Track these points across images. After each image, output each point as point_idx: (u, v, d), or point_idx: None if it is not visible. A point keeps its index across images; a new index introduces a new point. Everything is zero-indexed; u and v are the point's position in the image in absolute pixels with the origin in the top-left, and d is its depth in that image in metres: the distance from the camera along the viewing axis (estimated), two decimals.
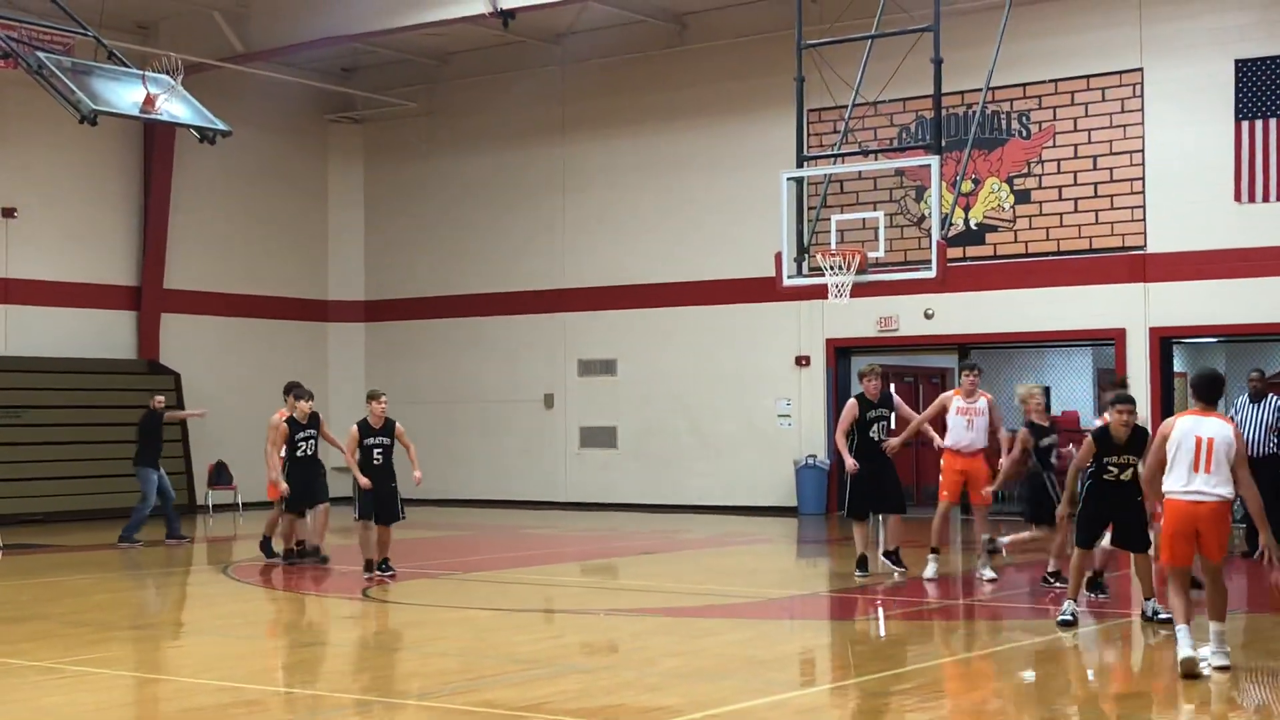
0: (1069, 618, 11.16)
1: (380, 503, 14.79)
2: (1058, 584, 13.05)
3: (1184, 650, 9.29)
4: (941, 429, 14.64)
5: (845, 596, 13.93)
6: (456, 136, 27.28)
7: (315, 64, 26.46)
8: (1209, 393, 9.63)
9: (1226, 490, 9.40)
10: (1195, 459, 9.33)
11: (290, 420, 15.94)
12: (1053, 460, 13.82)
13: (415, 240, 27.76)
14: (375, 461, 14.82)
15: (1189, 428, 9.43)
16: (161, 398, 19.40)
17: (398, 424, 15.15)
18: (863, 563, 14.54)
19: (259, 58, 24.58)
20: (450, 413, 26.84)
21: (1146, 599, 11.50)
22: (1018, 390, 14.58)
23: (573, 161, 26.03)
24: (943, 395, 14.68)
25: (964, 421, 14.23)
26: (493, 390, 26.59)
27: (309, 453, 15.98)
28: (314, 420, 15.99)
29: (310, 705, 8.87)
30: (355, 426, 14.90)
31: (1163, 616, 11.00)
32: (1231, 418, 11.77)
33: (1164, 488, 9.51)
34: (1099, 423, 11.81)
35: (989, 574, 14.02)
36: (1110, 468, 11.13)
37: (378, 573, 14.69)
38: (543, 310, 26.19)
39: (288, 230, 27.64)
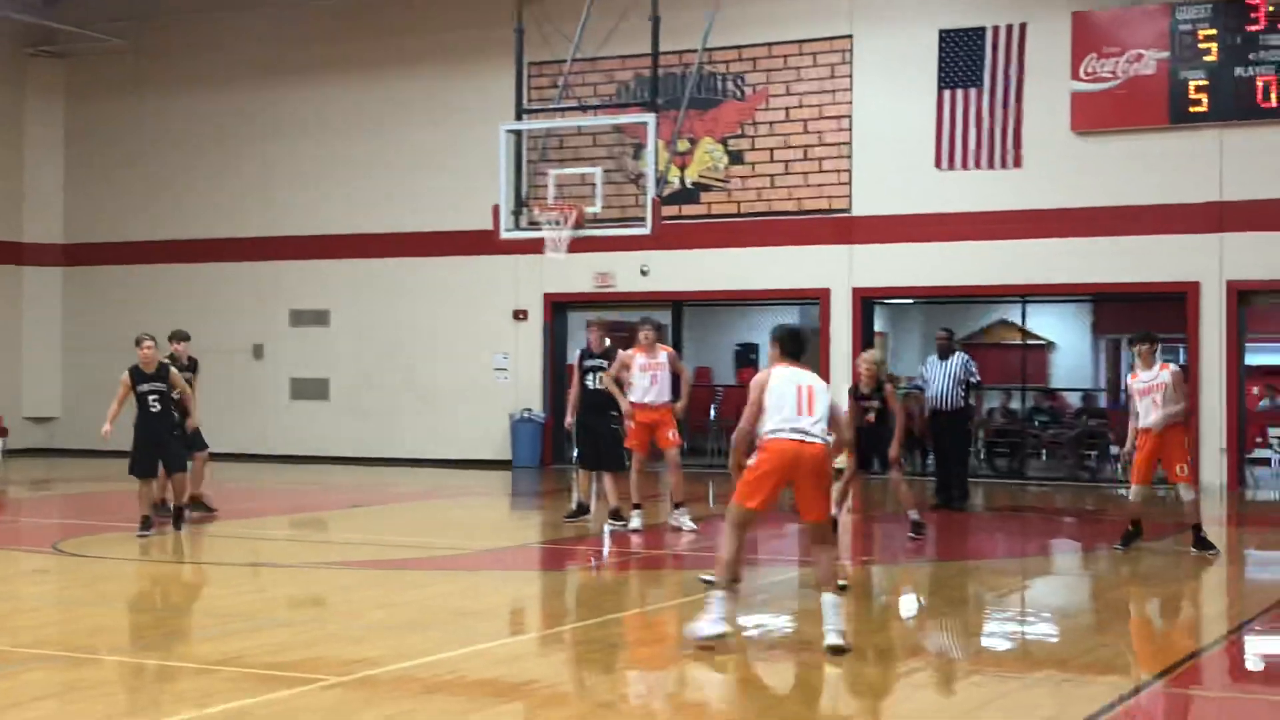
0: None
1: (168, 452, 14.09)
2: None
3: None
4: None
5: (554, 548, 14.03)
6: (166, 76, 26.25)
7: None
8: (796, 348, 9.29)
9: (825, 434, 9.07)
10: (798, 404, 8.91)
11: (134, 370, 14.24)
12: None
13: (121, 182, 26.63)
14: (152, 409, 14.09)
15: (788, 377, 9.06)
16: None
17: (172, 369, 14.41)
18: (579, 510, 14.91)
19: None
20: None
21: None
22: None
23: (288, 106, 25.36)
24: (623, 353, 14.82)
25: (647, 377, 14.52)
26: (200, 340, 25.55)
27: (158, 407, 14.30)
28: (162, 370, 14.37)
29: None
30: (126, 373, 14.10)
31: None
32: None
33: (766, 429, 8.96)
34: None
35: (689, 524, 14.35)
36: None
37: (198, 512, 14.40)
38: (254, 258, 25.48)
39: None
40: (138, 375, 14.17)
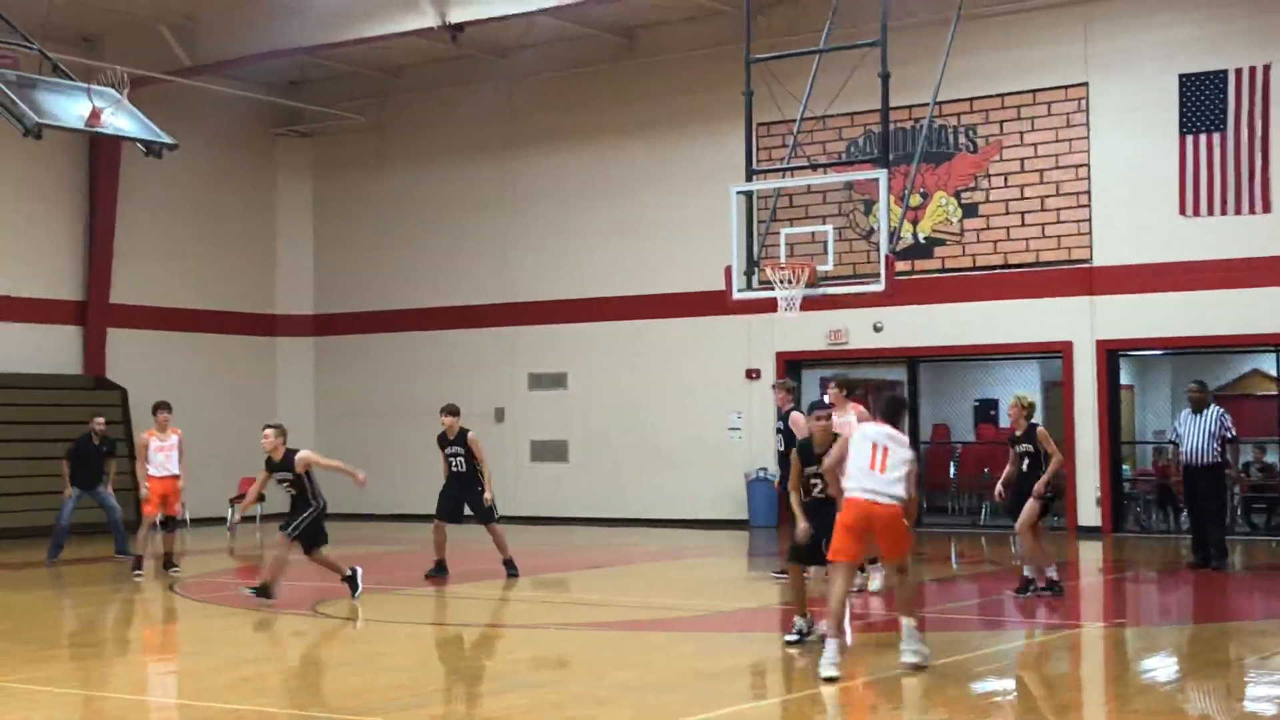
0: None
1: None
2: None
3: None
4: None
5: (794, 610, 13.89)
6: (406, 150, 27.20)
7: (263, 77, 26.32)
8: (890, 413, 10.29)
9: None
10: (871, 462, 9.89)
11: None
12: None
13: (365, 254, 27.65)
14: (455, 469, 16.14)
15: (869, 435, 10.08)
16: (102, 420, 19.10)
17: (470, 434, 16.15)
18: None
19: (206, 71, 24.43)
20: (400, 427, 26.69)
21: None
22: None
23: (523, 175, 26.00)
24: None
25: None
26: (443, 404, 26.42)
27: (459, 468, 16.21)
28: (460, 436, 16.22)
29: None
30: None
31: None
32: None
33: (846, 486, 10.07)
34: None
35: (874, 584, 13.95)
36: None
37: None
38: (493, 324, 26.13)
39: (236, 244, 27.47)
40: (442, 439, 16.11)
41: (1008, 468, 14.22)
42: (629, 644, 11.72)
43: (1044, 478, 13.70)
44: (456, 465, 16.18)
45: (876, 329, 22.75)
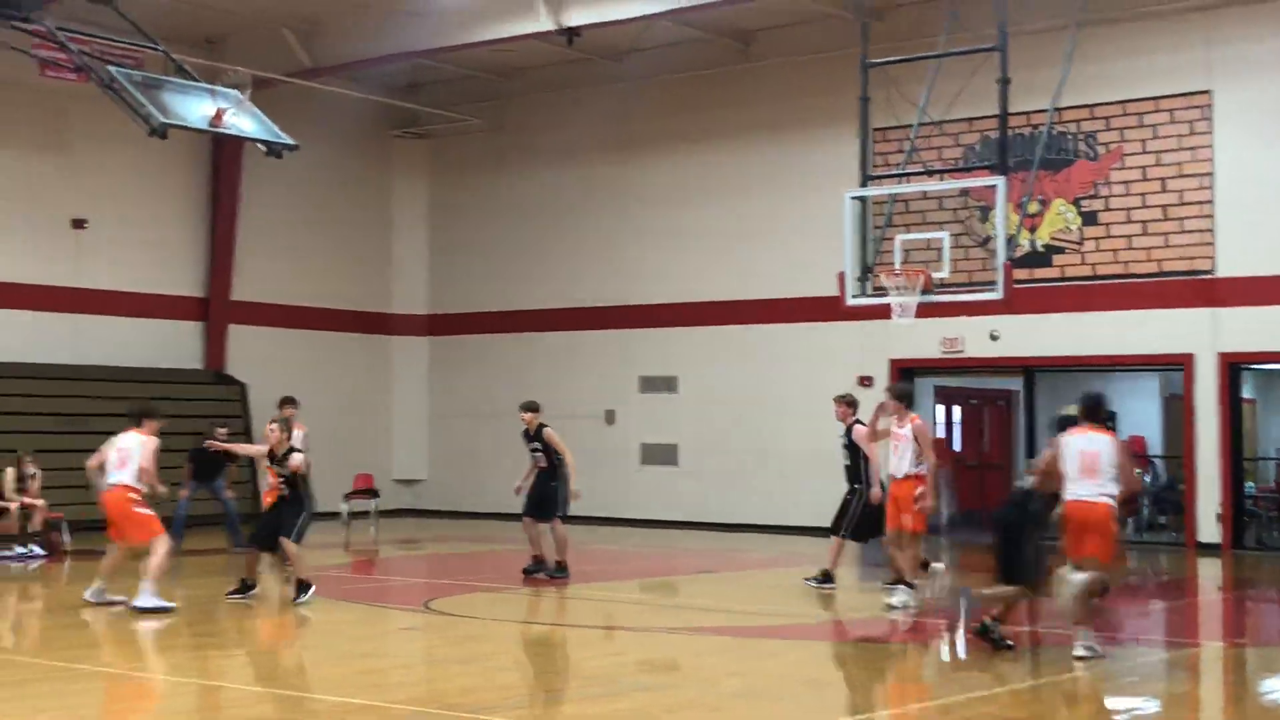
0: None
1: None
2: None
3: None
4: None
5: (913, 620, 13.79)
6: (521, 153, 27.39)
7: (382, 79, 26.66)
8: (1088, 413, 11.09)
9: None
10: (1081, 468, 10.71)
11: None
12: None
13: (479, 255, 27.88)
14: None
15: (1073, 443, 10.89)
16: (224, 429, 19.47)
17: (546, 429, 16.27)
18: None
19: (326, 73, 24.78)
20: (511, 428, 26.80)
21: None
22: None
23: (637, 178, 26.06)
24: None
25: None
26: (554, 405, 26.35)
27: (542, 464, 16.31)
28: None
29: (369, 716, 8.88)
30: None
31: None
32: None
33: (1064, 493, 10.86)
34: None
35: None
36: None
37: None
38: (605, 326, 26.22)
39: (353, 244, 27.86)
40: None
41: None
42: (739, 650, 11.69)
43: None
44: (539, 461, 16.31)
45: (993, 338, 22.48)
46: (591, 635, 12.75)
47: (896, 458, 14.18)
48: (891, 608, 13.51)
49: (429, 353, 28.44)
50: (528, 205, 27.26)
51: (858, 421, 15.04)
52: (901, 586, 13.81)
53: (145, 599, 12.91)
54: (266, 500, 16.26)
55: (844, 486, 23.58)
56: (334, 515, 24.89)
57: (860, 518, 14.85)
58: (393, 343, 28.32)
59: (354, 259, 27.84)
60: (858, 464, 14.97)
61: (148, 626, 12.54)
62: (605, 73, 25.92)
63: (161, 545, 13.25)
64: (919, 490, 13.84)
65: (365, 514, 23.55)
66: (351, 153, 27.70)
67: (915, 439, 13.98)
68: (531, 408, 16.39)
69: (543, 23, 22.42)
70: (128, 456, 13.51)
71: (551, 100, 26.93)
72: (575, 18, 22.29)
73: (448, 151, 28.43)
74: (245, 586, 14.07)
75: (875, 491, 14.70)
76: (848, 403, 15.33)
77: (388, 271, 28.42)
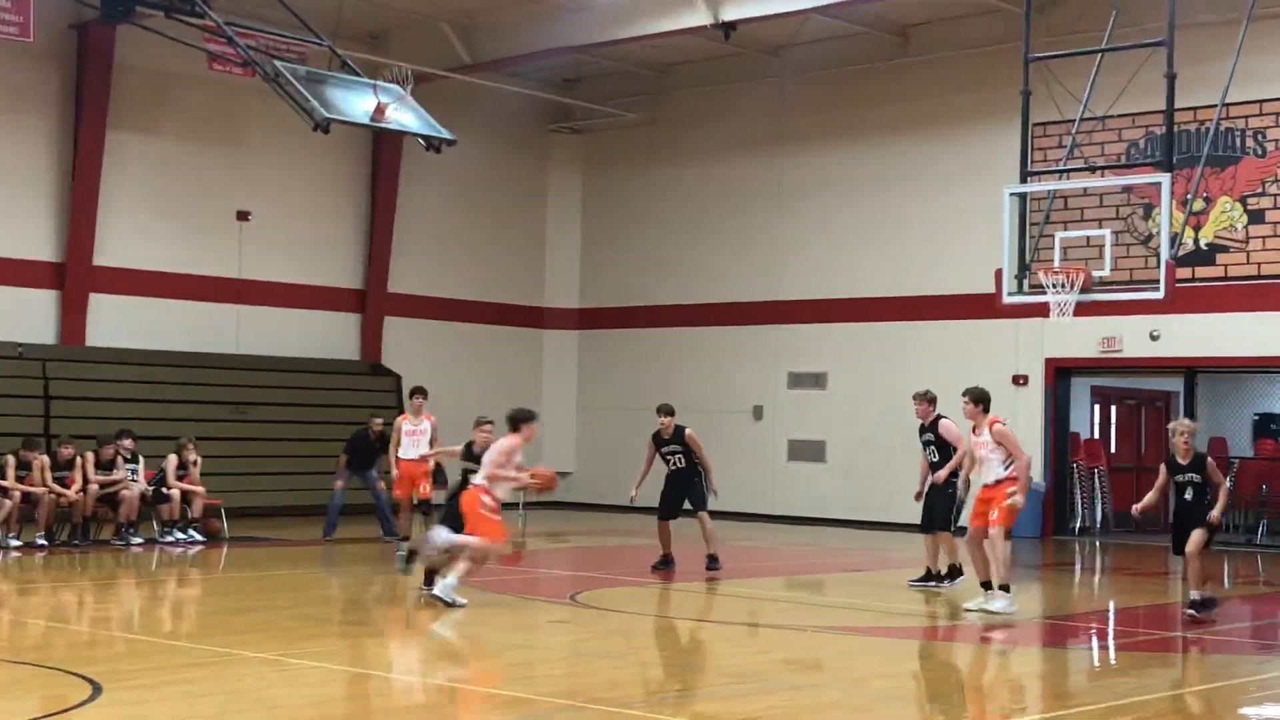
0: None
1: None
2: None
3: None
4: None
5: (1057, 623, 13.56)
6: (675, 148, 27.44)
7: (538, 74, 26.89)
8: None
9: None
10: None
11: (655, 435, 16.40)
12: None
13: (631, 250, 28.00)
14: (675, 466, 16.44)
15: None
16: (380, 420, 19.85)
17: (687, 431, 16.30)
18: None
19: (484, 68, 25.08)
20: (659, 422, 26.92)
21: None
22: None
23: (790, 174, 25.95)
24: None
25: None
26: (703, 400, 26.59)
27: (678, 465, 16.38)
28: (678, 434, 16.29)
29: (518, 708, 8.98)
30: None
31: None
32: None
33: None
34: None
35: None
36: None
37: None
38: (755, 322, 26.15)
39: (507, 238, 28.16)
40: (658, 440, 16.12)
41: (1153, 493, 13.42)
42: (887, 650, 11.59)
43: (1220, 504, 13.08)
44: (675, 463, 16.30)
45: (1153, 337, 21.97)
46: (737, 632, 12.73)
47: (984, 466, 13.64)
48: (988, 613, 13.11)
49: (579, 346, 28.64)
50: (680, 200, 27.30)
51: (941, 417, 14.93)
52: (997, 591, 13.33)
53: (444, 589, 12.78)
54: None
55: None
56: None
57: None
58: (544, 336, 28.58)
59: (508, 252, 28.14)
60: (946, 461, 14.83)
61: (313, 614, 12.81)
62: (760, 68, 25.85)
63: (489, 553, 13.15)
64: (1010, 490, 13.37)
65: (517, 505, 23.77)
66: (507, 147, 27.99)
67: (999, 443, 13.52)
68: (669, 411, 16.37)
69: (700, 17, 22.43)
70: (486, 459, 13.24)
71: (706, 95, 26.93)
72: (732, 11, 22.26)
73: (602, 147, 28.58)
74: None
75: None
76: (929, 400, 15.22)
77: (540, 265, 28.68)
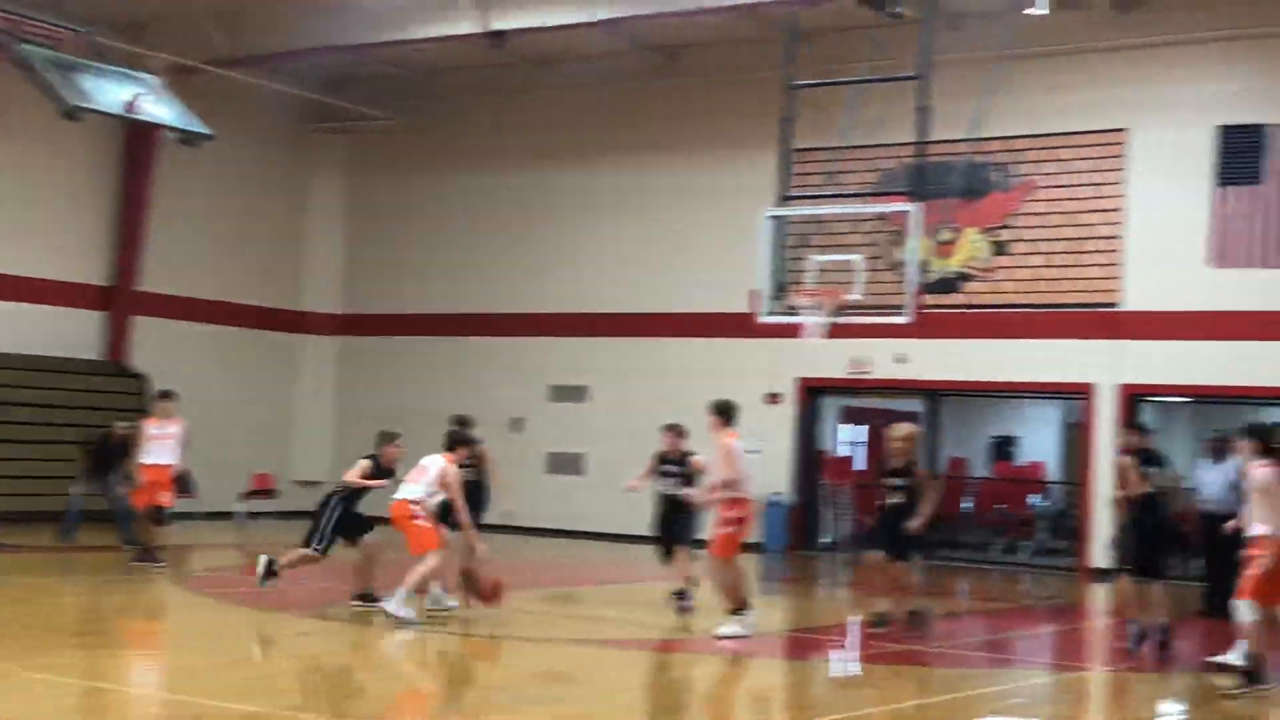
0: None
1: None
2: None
3: None
4: None
5: (800, 637, 13.87)
6: (442, 155, 27.24)
7: (304, 73, 26.35)
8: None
9: None
10: None
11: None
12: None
13: (394, 256, 27.69)
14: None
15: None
16: (124, 424, 18.91)
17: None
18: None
19: (247, 64, 24.48)
20: (418, 431, 26.55)
21: None
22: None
23: (557, 187, 26.03)
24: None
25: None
26: (461, 411, 26.39)
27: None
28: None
29: None
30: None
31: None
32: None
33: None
34: None
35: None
36: None
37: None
38: (517, 333, 26.14)
39: (266, 239, 27.53)
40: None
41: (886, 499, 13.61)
42: (639, 663, 11.68)
43: (925, 515, 13.15)
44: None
45: (900, 360, 22.70)
46: (490, 645, 12.68)
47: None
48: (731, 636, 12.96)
49: (337, 353, 28.17)
50: (446, 208, 27.13)
51: (692, 453, 14.84)
52: (730, 616, 13.02)
53: (393, 604, 12.64)
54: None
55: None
56: (228, 515, 24.62)
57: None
58: (301, 341, 28.00)
59: (267, 254, 27.51)
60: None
61: (47, 624, 12.31)
62: (530, 80, 25.87)
63: (432, 559, 12.93)
64: (728, 516, 13.25)
65: (262, 514, 23.28)
66: (269, 146, 27.41)
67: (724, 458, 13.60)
68: (679, 432, 15.30)
69: (470, 25, 22.34)
70: (422, 474, 13.31)
71: (475, 104, 26.83)
72: (503, 22, 22.23)
73: (367, 150, 28.21)
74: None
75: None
76: (678, 433, 15.18)
77: (300, 269, 28.13)
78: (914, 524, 13.10)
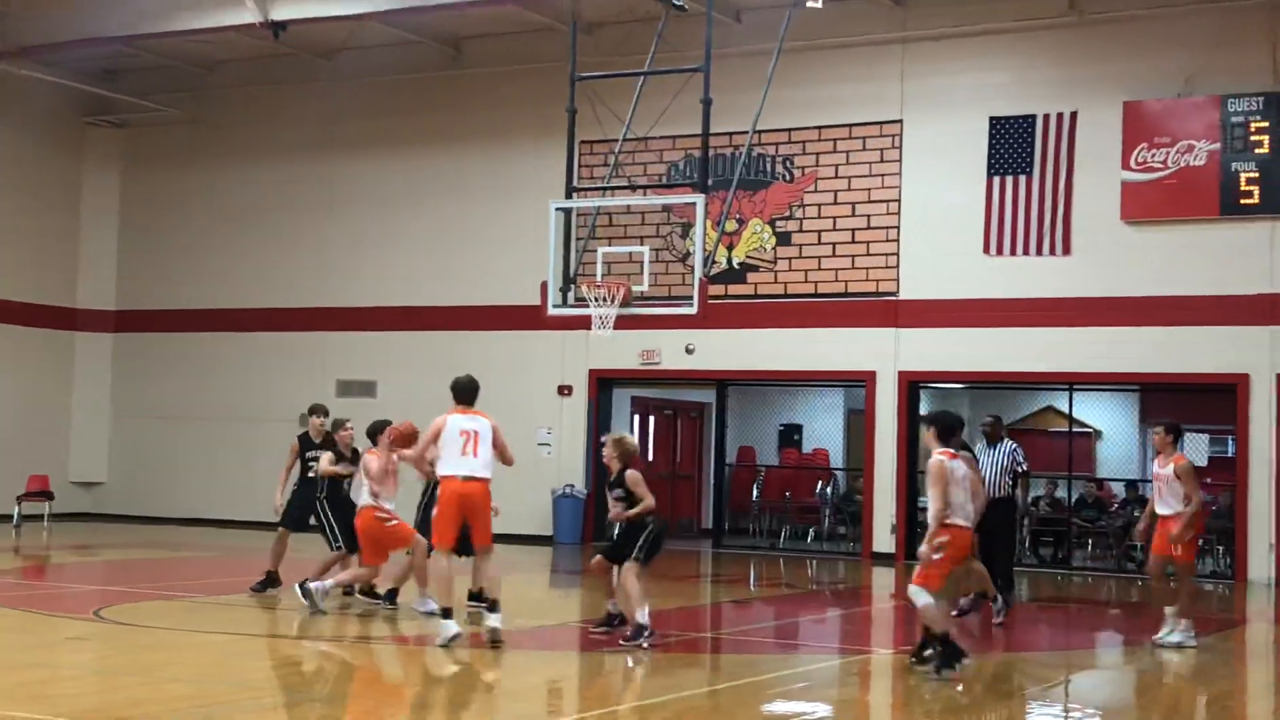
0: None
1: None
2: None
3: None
4: None
5: (590, 629, 13.89)
6: (221, 147, 26.63)
7: (76, 64, 25.52)
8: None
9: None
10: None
11: (302, 438, 15.17)
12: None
13: (173, 250, 26.97)
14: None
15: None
16: None
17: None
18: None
19: (16, 55, 23.63)
20: (203, 430, 26.10)
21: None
22: None
23: (341, 179, 25.66)
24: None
25: None
26: (247, 408, 25.94)
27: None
28: (328, 440, 14.98)
29: None
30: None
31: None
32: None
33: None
34: None
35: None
36: None
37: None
38: (304, 328, 25.70)
39: (38, 234, 26.57)
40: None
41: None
42: (427, 660, 11.58)
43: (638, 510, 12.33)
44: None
45: (688, 351, 22.96)
46: (263, 644, 12.43)
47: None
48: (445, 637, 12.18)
49: (115, 350, 27.33)
50: (227, 202, 26.53)
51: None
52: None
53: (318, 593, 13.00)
54: None
55: (543, 494, 23.75)
56: (6, 518, 23.74)
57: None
58: (76, 339, 27.10)
59: (38, 250, 26.57)
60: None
61: None
62: (312, 71, 25.48)
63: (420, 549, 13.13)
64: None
65: (39, 517, 22.51)
66: (39, 139, 26.47)
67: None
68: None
69: (249, 15, 21.89)
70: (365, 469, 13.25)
71: (255, 95, 26.30)
72: (282, 12, 21.85)
73: (143, 142, 27.42)
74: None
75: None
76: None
77: (74, 264, 27.21)
78: (614, 513, 12.49)
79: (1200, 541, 12.87)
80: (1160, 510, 13.04)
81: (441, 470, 11.98)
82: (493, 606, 11.87)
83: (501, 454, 12.23)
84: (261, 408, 25.63)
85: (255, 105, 26.35)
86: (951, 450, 11.13)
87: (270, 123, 26.23)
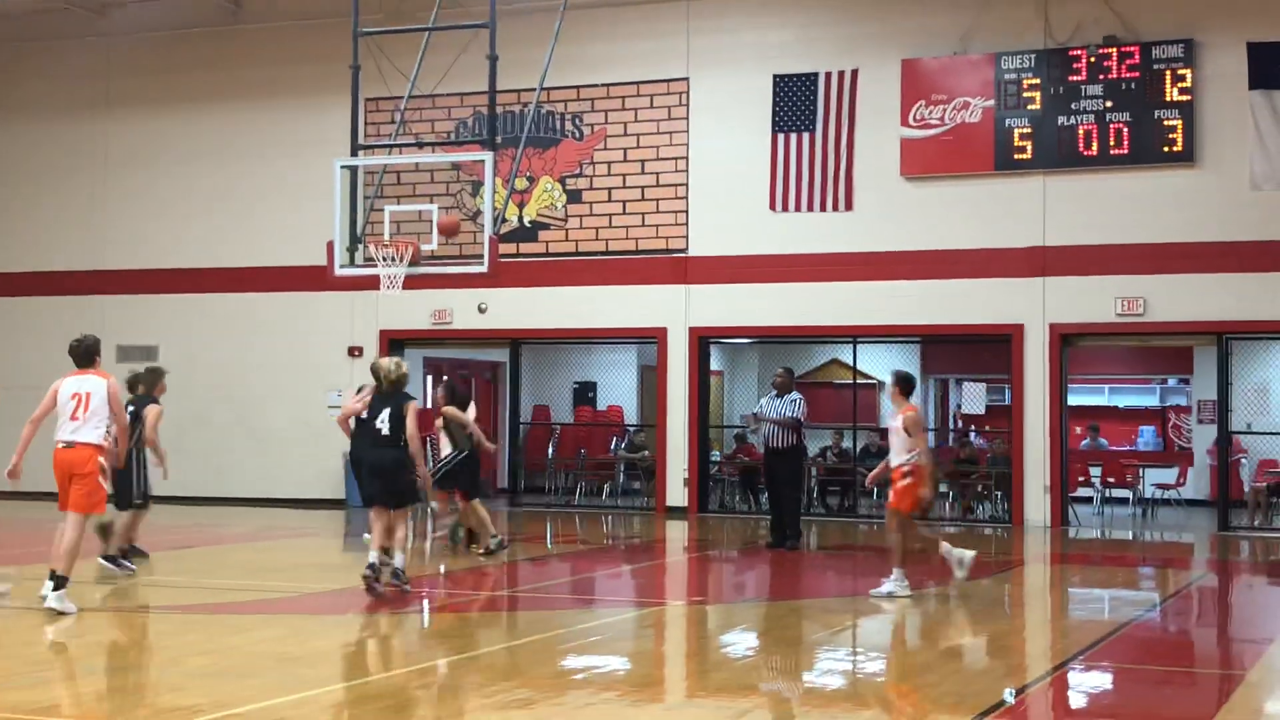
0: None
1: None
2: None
3: None
4: None
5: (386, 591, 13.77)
6: None
7: None
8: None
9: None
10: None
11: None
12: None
13: None
14: None
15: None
16: None
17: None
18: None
19: None
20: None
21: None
22: None
23: (116, 138, 24.82)
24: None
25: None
26: (21, 375, 24.94)
27: None
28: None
29: None
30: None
31: None
32: None
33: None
34: None
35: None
36: None
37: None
38: (79, 292, 24.84)
39: None
40: None
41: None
42: (211, 627, 11.35)
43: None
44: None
45: (481, 310, 22.86)
46: (47, 617, 12.04)
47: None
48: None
49: None
50: None
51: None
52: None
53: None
54: None
55: (335, 458, 23.48)
56: None
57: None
58: None
59: None
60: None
61: None
62: (85, 26, 24.58)
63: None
64: None
65: None
66: None
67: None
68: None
69: None
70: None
71: (24, 51, 25.29)
72: None
73: None
74: None
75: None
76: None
77: None
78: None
79: (925, 493, 12.97)
80: (893, 461, 13.24)
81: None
82: (59, 584, 11.58)
83: (117, 417, 12.40)
84: (35, 375, 24.59)
85: (25, 62, 25.32)
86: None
87: (41, 80, 25.24)
